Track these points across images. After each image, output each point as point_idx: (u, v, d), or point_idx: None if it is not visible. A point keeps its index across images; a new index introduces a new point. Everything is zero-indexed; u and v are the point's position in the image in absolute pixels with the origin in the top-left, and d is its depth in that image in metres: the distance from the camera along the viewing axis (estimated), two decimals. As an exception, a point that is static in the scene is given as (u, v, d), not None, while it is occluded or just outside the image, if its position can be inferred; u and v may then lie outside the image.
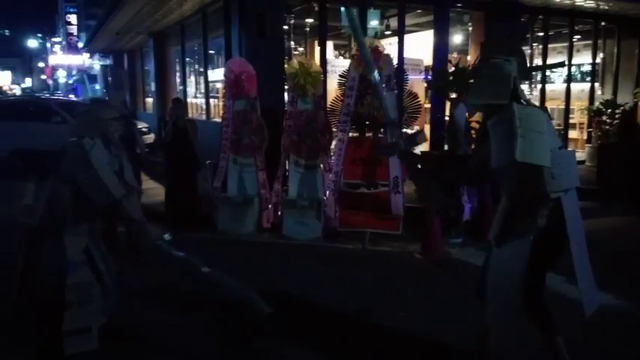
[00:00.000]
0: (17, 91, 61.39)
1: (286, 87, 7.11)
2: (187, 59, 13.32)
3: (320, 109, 6.70)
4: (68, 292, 3.35)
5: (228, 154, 6.88)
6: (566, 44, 11.62)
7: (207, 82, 11.66)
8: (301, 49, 12.47)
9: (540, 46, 11.53)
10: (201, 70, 12.25)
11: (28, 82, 71.72)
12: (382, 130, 6.30)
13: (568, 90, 11.51)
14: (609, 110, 10.63)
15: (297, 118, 6.67)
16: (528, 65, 3.43)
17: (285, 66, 7.00)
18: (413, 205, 6.42)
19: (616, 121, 10.26)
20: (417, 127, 10.04)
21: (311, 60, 7.01)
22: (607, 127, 10.52)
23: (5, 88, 63.23)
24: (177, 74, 14.47)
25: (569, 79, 11.64)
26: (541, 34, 11.35)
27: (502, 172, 2.77)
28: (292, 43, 11.63)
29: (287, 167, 6.79)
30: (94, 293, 3.46)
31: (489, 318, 3.01)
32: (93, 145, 3.35)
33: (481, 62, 3.02)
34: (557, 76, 12.72)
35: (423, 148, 9.18)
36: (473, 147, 7.30)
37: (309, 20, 11.18)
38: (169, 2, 10.63)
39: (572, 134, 12.09)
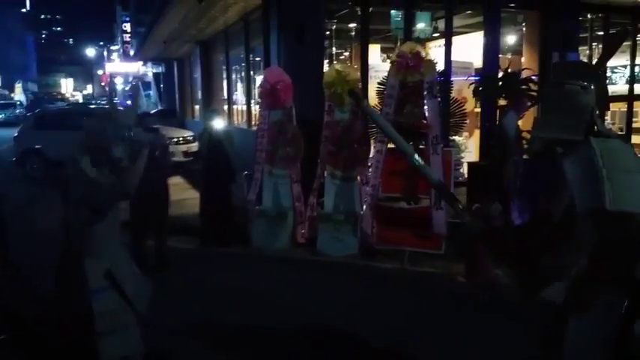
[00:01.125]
0: (79, 97, 64.31)
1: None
2: (232, 67, 13.31)
3: (357, 118, 6.36)
4: (98, 321, 3.13)
5: (263, 166, 6.67)
6: (629, 43, 10.79)
7: (249, 90, 11.56)
8: (347, 53, 12.20)
9: (599, 47, 10.76)
10: (245, 77, 12.19)
11: (89, 89, 74.99)
12: (424, 141, 5.91)
13: (631, 91, 10.67)
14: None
15: (334, 128, 6.38)
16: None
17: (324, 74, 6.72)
18: (457, 221, 5.98)
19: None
20: (465, 134, 9.58)
21: (349, 67, 6.70)
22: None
23: (67, 94, 66.43)
24: (224, 82, 14.50)
25: (633, 79, 10.80)
26: (601, 33, 10.58)
27: (584, 224, 2.32)
28: (335, 48, 11.37)
29: (323, 179, 6.50)
30: (129, 319, 3.27)
31: None
32: (82, 159, 3.21)
33: (552, 87, 2.54)
34: (619, 77, 11.87)
35: (471, 158, 8.71)
36: (524, 157, 6.81)
37: (353, 24, 10.89)
38: (212, 10, 10.61)
39: (636, 139, 11.20)
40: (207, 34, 13.60)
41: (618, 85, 11.87)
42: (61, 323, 3.43)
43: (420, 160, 3.34)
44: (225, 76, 14.04)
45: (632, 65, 10.77)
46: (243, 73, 12.24)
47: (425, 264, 5.65)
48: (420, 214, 5.76)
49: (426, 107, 5.96)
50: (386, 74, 6.33)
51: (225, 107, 13.81)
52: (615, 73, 12.13)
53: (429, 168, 4.31)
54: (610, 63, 11.19)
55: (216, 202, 6.60)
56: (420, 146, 5.95)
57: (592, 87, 2.44)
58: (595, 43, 11.47)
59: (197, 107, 18.09)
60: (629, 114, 10.74)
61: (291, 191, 6.51)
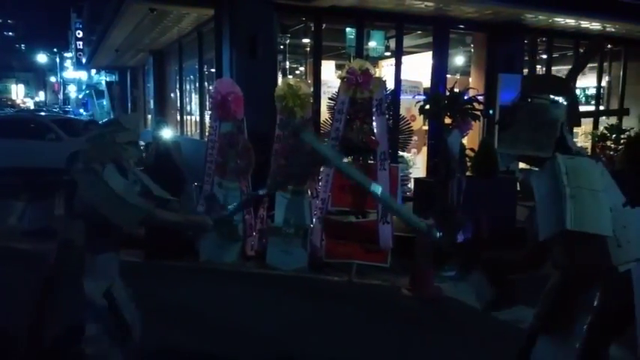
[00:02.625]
0: (30, 104, 62.02)
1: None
2: (185, 77, 13.19)
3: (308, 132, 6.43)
4: (86, 344, 2.93)
5: (213, 178, 6.62)
6: (570, 67, 11.34)
7: (202, 101, 11.48)
8: (302, 68, 12.29)
9: (544, 69, 11.26)
10: (198, 88, 12.10)
11: (41, 96, 72.48)
12: (372, 156, 6.03)
13: (573, 113, 11.20)
14: (614, 135, 10.30)
15: (285, 141, 6.41)
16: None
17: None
18: (402, 235, 6.11)
19: (621, 147, 9.91)
20: (413, 151, 9.81)
21: (301, 82, 6.78)
22: (611, 152, 10.17)
23: (18, 101, 63.90)
24: (177, 92, 14.34)
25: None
26: (544, 56, 11.09)
27: (552, 243, 2.27)
28: (289, 62, 11.44)
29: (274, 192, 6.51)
30: (113, 352, 3.03)
31: None
32: (104, 168, 2.94)
33: (520, 102, 2.44)
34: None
35: (418, 174, 8.92)
36: (467, 174, 7.04)
37: (307, 40, 11.01)
38: (165, 20, 10.51)
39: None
40: (161, 44, 13.45)
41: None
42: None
43: (377, 190, 3.26)
44: (178, 86, 13.90)
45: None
46: (196, 84, 12.15)
47: (372, 276, 5.74)
48: (367, 228, 5.86)
49: (374, 124, 6.10)
50: (335, 92, 6.45)
51: (178, 117, 13.65)
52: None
53: (388, 196, 4.30)
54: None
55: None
56: (369, 162, 6.07)
57: (562, 102, 2.39)
58: (539, 66, 12.01)
59: (150, 117, 17.80)
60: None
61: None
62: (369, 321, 4.67)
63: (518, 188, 9.26)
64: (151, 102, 15.84)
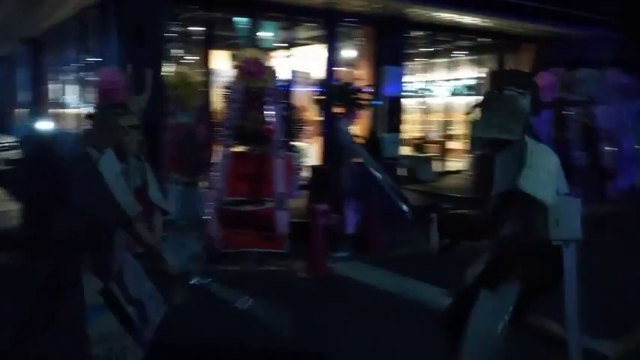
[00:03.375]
0: None
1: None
2: (65, 68, 12.38)
3: (202, 122, 6.37)
4: (93, 344, 2.77)
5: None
6: (449, 59, 12.20)
7: (84, 93, 10.87)
8: (193, 58, 12.02)
9: (424, 62, 12.00)
10: (80, 79, 11.42)
11: None
12: (268, 145, 6.13)
13: (448, 104, 12.07)
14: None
15: (177, 131, 6.29)
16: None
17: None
18: (299, 221, 6.29)
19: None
20: (307, 141, 10.03)
21: (190, 70, 6.69)
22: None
23: None
24: (55, 84, 13.41)
25: (451, 93, 12.23)
26: (425, 49, 11.82)
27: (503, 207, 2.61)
28: (182, 51, 11.15)
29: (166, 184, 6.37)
30: (127, 344, 2.88)
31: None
32: (101, 154, 2.78)
33: (491, 93, 2.78)
34: (442, 90, 13.31)
35: (312, 162, 9.16)
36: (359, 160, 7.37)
37: (199, 28, 10.80)
38: (43, 5, 9.80)
39: (452, 145, 12.70)
40: (38, 32, 12.50)
41: (440, 98, 13.26)
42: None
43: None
44: (56, 77, 13.01)
45: (451, 80, 12.18)
46: (77, 75, 11.46)
47: (270, 263, 5.85)
48: (264, 216, 5.96)
49: (269, 113, 6.19)
50: (229, 80, 6.45)
51: (58, 111, 12.79)
52: (438, 86, 13.56)
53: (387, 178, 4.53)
54: (434, 77, 12.53)
55: (43, 212, 6.13)
56: (264, 150, 6.16)
57: (528, 93, 2.69)
58: (420, 59, 12.76)
59: (21, 111, 16.45)
60: (446, 123, 12.15)
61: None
62: (267, 303, 4.77)
63: (405, 173, 9.86)
64: (25, 94, 14.64)
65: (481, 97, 2.86)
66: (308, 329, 4.23)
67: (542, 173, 2.54)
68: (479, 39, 12.42)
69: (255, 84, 6.19)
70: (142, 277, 3.10)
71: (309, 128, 9.13)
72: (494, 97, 2.75)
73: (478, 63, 12.80)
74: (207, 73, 8.33)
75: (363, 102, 6.58)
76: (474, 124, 2.82)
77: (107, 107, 3.28)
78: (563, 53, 11.83)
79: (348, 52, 12.27)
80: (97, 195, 2.76)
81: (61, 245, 3.05)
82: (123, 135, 2.91)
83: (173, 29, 9.76)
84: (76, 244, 2.91)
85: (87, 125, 3.03)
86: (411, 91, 13.58)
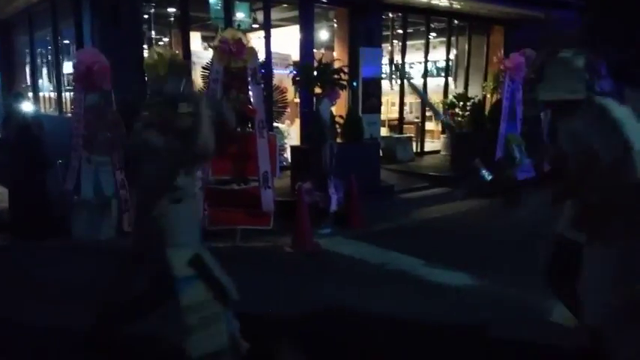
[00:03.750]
0: None
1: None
2: (37, 50, 12.08)
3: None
4: (187, 315, 2.88)
5: (80, 153, 6.32)
6: (423, 41, 12.36)
7: (59, 75, 10.67)
8: (166, 39, 11.92)
9: (400, 43, 12.14)
10: (54, 61, 11.19)
11: None
12: (250, 124, 6.19)
13: (424, 85, 12.27)
14: (461, 103, 11.51)
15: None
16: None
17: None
18: (284, 199, 6.42)
19: (467, 113, 11.13)
20: (287, 122, 10.13)
21: (171, 50, 6.67)
22: (460, 118, 11.38)
23: None
24: (27, 66, 13.08)
25: (426, 74, 12.42)
26: (400, 31, 11.95)
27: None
28: (154, 32, 11.06)
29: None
30: (219, 311, 2.98)
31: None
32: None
33: (548, 56, 2.81)
34: (416, 72, 13.49)
35: (293, 144, 9.27)
36: (340, 140, 7.52)
37: (173, 9, 10.70)
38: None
39: (429, 126, 12.93)
40: (7, 14, 12.15)
41: (415, 80, 13.44)
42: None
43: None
44: (28, 60, 12.70)
45: (426, 62, 12.37)
46: (50, 57, 11.22)
47: (256, 239, 5.97)
48: (249, 194, 6.05)
49: (250, 93, 6.24)
50: (208, 61, 6.45)
51: (30, 94, 12.50)
52: (412, 68, 13.73)
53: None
54: (410, 59, 12.66)
55: (27, 193, 6.11)
56: (248, 129, 6.22)
57: (582, 54, 2.73)
58: (396, 41, 12.90)
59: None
60: (423, 105, 12.34)
61: (114, 178, 6.30)
62: (255, 275, 4.90)
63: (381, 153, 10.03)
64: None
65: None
66: (298, 297, 4.39)
67: (632, 125, 2.54)
68: (452, 21, 12.62)
69: (236, 64, 6.22)
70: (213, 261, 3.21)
71: (289, 110, 9.23)
72: (553, 60, 2.79)
73: (451, 45, 13.01)
74: (185, 54, 8.28)
75: (342, 82, 6.69)
76: (539, 88, 2.82)
77: (166, 95, 3.45)
78: (531, 34, 12.11)
79: (325, 34, 12.34)
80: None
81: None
82: (180, 121, 3.07)
83: (147, 10, 9.68)
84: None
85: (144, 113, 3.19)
86: (389, 73, 13.74)
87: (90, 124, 6.26)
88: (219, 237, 6.01)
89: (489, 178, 3.18)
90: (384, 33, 11.82)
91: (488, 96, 11.36)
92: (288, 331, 3.76)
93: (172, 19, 11.04)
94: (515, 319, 3.98)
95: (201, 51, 10.36)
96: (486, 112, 10.30)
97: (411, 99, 13.20)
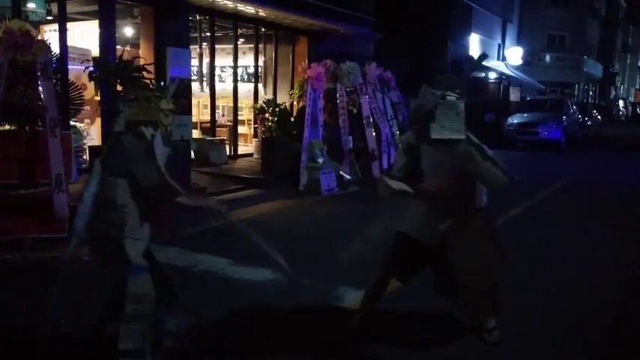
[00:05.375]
0: None
1: None
2: None
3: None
4: (128, 303, 3.03)
5: None
6: (232, 46, 12.56)
7: None
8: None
9: (209, 47, 12.17)
10: None
11: None
12: (40, 122, 5.69)
13: (235, 89, 12.49)
14: (271, 108, 11.94)
15: None
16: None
17: None
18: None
19: (276, 118, 11.60)
20: (87, 121, 9.48)
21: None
22: (270, 123, 11.80)
23: None
24: None
25: (236, 79, 12.64)
26: (209, 34, 11.99)
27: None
28: None
29: None
30: (150, 310, 3.11)
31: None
32: (153, 136, 3.13)
33: (438, 99, 3.28)
34: (228, 76, 13.65)
35: (93, 143, 8.71)
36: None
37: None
38: None
39: (242, 130, 13.20)
40: None
41: (226, 83, 13.59)
42: None
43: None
44: None
45: (236, 67, 12.58)
46: None
47: (50, 249, 5.48)
48: (40, 199, 5.55)
49: (40, 89, 5.75)
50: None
51: None
52: (224, 72, 13.87)
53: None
54: (220, 63, 12.76)
55: None
56: (38, 127, 5.72)
57: (463, 94, 3.23)
58: (205, 43, 12.88)
59: None
60: (235, 109, 12.57)
61: None
62: (46, 289, 4.54)
63: (193, 156, 9.99)
64: None
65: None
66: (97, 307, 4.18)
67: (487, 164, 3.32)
68: (259, 28, 13.03)
69: (24, 57, 5.70)
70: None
71: (89, 109, 8.66)
72: (441, 103, 3.29)
73: (259, 52, 13.42)
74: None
75: (145, 81, 6.52)
76: (430, 127, 3.29)
77: (150, 90, 3.72)
78: (332, 47, 13.13)
79: (128, 31, 11.81)
80: (151, 174, 3.07)
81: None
82: (163, 117, 3.24)
83: None
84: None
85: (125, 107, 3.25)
86: (199, 75, 13.65)
87: None
88: (3, 248, 5.42)
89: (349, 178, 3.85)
90: (193, 35, 11.75)
91: (295, 103, 11.99)
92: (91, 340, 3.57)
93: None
94: (313, 305, 4.35)
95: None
96: (292, 119, 10.88)
97: (223, 102, 13.31)
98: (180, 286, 4.71)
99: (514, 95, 27.36)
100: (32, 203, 5.52)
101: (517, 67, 29.87)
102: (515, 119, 19.16)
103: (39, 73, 5.70)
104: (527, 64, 32.29)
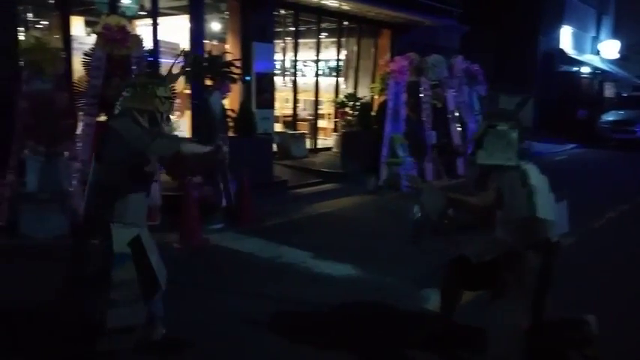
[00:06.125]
0: None
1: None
2: None
3: (62, 89, 6.00)
4: (113, 289, 3.08)
5: (24, 142, 5.74)
6: (315, 40, 12.59)
7: None
8: (45, 22, 11.04)
9: (292, 41, 12.26)
10: None
11: None
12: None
13: (317, 83, 12.51)
14: (351, 102, 11.88)
15: (33, 99, 5.85)
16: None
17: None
18: (170, 194, 6.23)
19: (357, 112, 11.52)
20: (177, 114, 9.83)
21: (49, 35, 6.23)
22: (350, 117, 11.75)
23: None
24: None
25: (318, 73, 12.65)
26: (293, 28, 12.07)
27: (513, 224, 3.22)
28: (31, 15, 10.19)
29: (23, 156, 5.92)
30: (138, 292, 3.15)
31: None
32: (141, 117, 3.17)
33: (488, 129, 3.37)
34: (309, 70, 13.71)
35: (184, 134, 9.01)
36: (232, 134, 7.45)
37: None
38: None
39: (322, 124, 13.22)
40: None
41: (308, 77, 13.65)
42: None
43: None
44: None
45: (317, 61, 12.61)
46: None
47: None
48: (133, 188, 5.79)
49: (135, 82, 5.99)
50: (91, 47, 6.12)
51: None
52: (306, 66, 13.95)
53: None
54: (303, 57, 12.82)
55: None
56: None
57: (516, 128, 3.31)
58: (289, 38, 13.00)
59: None
60: (316, 103, 12.61)
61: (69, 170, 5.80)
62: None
63: (275, 149, 10.11)
64: None
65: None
66: (184, 292, 4.31)
67: (546, 196, 3.20)
68: (342, 22, 12.97)
69: (120, 51, 5.97)
70: (154, 246, 3.34)
71: (179, 102, 8.97)
72: (490, 132, 3.36)
73: (341, 45, 13.37)
74: (65, 39, 7.74)
75: (234, 75, 6.64)
76: (478, 154, 3.40)
77: (148, 77, 3.65)
78: (416, 39, 12.82)
79: (216, 26, 12.12)
80: (144, 138, 3.08)
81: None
82: (159, 104, 3.20)
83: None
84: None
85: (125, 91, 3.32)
86: (282, 69, 13.80)
87: (35, 111, 5.72)
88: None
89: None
90: (277, 29, 11.88)
91: (376, 97, 11.84)
92: (175, 324, 3.68)
93: (53, 1, 10.25)
94: (394, 305, 4.24)
95: (83, 36, 9.72)
96: (373, 113, 10.73)
97: (304, 96, 13.39)
98: (266, 277, 4.82)
99: (609, 91, 25.53)
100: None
101: (613, 62, 27.88)
102: (610, 116, 18.00)
103: (134, 67, 5.95)
104: (624, 59, 30.04)
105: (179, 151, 3.12)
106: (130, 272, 3.10)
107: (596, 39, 27.77)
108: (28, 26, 9.22)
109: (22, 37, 6.97)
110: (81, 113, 6.01)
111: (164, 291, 3.31)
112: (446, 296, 3.56)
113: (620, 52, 29.25)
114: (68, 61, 7.31)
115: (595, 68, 24.67)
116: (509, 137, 3.32)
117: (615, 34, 30.54)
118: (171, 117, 9.10)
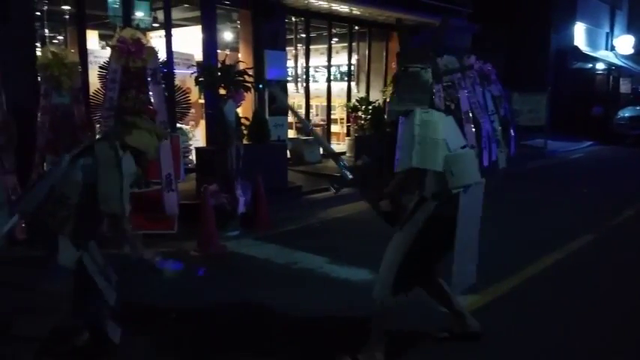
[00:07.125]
0: None
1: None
2: None
3: (79, 102, 6.13)
4: (38, 295, 3.38)
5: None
6: (326, 46, 12.65)
7: None
8: (61, 37, 11.27)
9: (304, 47, 12.34)
10: None
11: None
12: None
13: (329, 89, 12.57)
14: (364, 107, 11.91)
15: (52, 113, 6.00)
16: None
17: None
18: (188, 203, 6.32)
19: (369, 116, 11.55)
20: (192, 123, 9.97)
21: (66, 50, 6.37)
22: (362, 121, 11.78)
23: None
24: None
25: (329, 78, 12.72)
26: (304, 35, 12.16)
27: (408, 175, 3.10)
28: (47, 30, 10.41)
29: (43, 169, 6.06)
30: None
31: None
32: (123, 153, 3.18)
33: (399, 71, 3.20)
34: (321, 76, 13.78)
35: (198, 145, 9.14)
36: (247, 142, 7.53)
37: (68, 7, 10.14)
38: None
39: (335, 129, 13.27)
40: None
41: (320, 83, 13.72)
42: None
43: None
44: None
45: (329, 66, 12.67)
46: None
47: (160, 245, 5.79)
48: (152, 198, 5.90)
49: (151, 93, 6.11)
50: (106, 60, 6.25)
51: None
52: (318, 72, 14.02)
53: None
54: (314, 63, 12.85)
55: None
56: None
57: (429, 67, 3.10)
58: (300, 44, 13.09)
59: None
60: (329, 108, 12.66)
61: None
62: (162, 282, 4.80)
63: (288, 155, 10.16)
64: None
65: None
66: (202, 298, 4.37)
67: (431, 144, 2.96)
68: (353, 27, 13.03)
69: (135, 63, 6.08)
70: (99, 254, 3.45)
71: (193, 111, 9.10)
72: (402, 75, 3.18)
73: (352, 50, 13.43)
74: (81, 53, 7.91)
75: (247, 84, 6.72)
76: (391, 100, 3.21)
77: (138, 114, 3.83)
78: (427, 41, 12.79)
79: (229, 35, 12.27)
80: (108, 182, 3.11)
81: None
82: (148, 145, 3.31)
83: (40, 7, 9.13)
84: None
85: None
86: (294, 76, 13.90)
87: (54, 125, 5.91)
88: (120, 244, 5.81)
89: (349, 177, 3.81)
90: (288, 37, 11.97)
91: (388, 100, 11.85)
92: (192, 330, 3.74)
93: (68, 16, 10.46)
94: (410, 306, 4.24)
95: (98, 50, 9.92)
96: (386, 116, 10.74)
97: (317, 102, 13.46)
98: (283, 283, 4.87)
99: (625, 87, 25.23)
100: (145, 201, 5.88)
101: (628, 57, 27.53)
102: (626, 112, 17.81)
103: (149, 79, 6.06)
104: (639, 54, 29.71)
105: (121, 220, 3.27)
106: (60, 284, 3.20)
107: (610, 35, 27.48)
108: (44, 42, 9.40)
109: (39, 52, 7.13)
110: (98, 125, 6.13)
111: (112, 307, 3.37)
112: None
113: (635, 47, 28.89)
114: (84, 75, 7.47)
115: (610, 64, 24.42)
116: (421, 78, 3.12)
117: (629, 29, 30.19)
118: (185, 127, 9.31)
